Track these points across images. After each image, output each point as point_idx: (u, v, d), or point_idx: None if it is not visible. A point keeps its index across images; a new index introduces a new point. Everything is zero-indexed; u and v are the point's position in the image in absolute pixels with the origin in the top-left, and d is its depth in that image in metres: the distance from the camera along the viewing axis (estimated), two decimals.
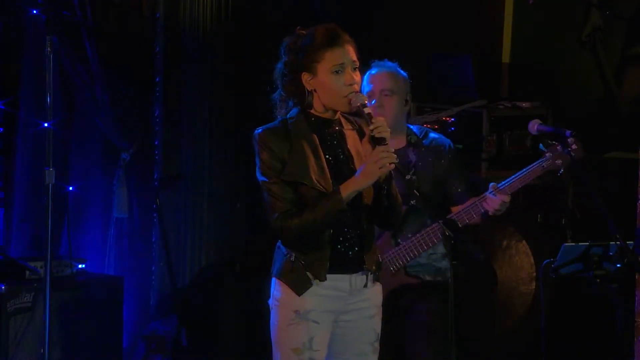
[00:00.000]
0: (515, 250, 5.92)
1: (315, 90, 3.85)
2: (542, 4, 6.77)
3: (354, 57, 3.84)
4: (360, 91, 3.86)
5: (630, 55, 6.55)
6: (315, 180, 3.79)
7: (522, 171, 4.64)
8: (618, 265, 4.57)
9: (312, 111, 3.89)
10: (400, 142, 4.80)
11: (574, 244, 4.76)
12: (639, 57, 6.53)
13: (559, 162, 4.61)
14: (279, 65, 3.90)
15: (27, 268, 5.42)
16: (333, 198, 3.74)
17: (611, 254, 4.60)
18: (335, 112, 3.90)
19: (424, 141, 4.82)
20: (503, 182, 4.65)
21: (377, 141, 3.71)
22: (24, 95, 5.94)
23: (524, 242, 5.90)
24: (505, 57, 7.01)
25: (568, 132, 4.58)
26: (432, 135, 4.87)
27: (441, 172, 4.79)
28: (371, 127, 3.73)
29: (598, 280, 4.64)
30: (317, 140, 3.86)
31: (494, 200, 4.61)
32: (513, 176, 4.65)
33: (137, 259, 6.41)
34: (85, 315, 5.60)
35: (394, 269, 4.70)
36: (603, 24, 6.60)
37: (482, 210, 4.65)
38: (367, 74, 4.81)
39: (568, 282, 4.83)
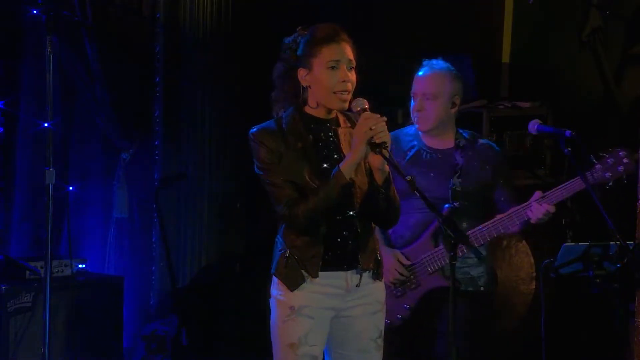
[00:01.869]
0: (515, 250, 5.92)
1: (310, 87, 3.87)
2: (542, 4, 6.77)
3: (351, 57, 3.86)
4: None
5: (630, 55, 6.55)
6: (307, 180, 3.81)
7: (569, 181, 4.59)
8: (618, 265, 4.57)
9: (307, 109, 3.91)
10: (447, 143, 4.78)
11: (574, 244, 4.76)
12: (639, 57, 6.53)
13: (608, 175, 4.56)
14: (278, 64, 3.93)
15: (27, 268, 5.42)
16: (335, 175, 3.76)
17: (611, 254, 4.60)
18: (330, 110, 3.92)
19: (472, 145, 4.79)
20: (549, 192, 4.60)
21: (377, 146, 3.72)
22: (24, 95, 5.94)
23: (524, 242, 5.90)
24: (505, 57, 7.01)
25: (568, 132, 4.57)
26: (481, 140, 4.85)
27: (486, 177, 4.76)
28: (371, 133, 3.74)
29: (598, 280, 4.64)
30: (311, 139, 3.88)
31: (539, 208, 4.57)
32: (560, 186, 4.61)
33: (137, 259, 6.41)
34: (85, 315, 5.60)
35: (431, 270, 4.68)
36: (603, 24, 6.60)
37: (525, 218, 4.62)
38: (415, 74, 4.79)
39: (568, 282, 4.82)
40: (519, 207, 4.63)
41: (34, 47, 5.84)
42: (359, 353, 3.97)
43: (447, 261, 4.62)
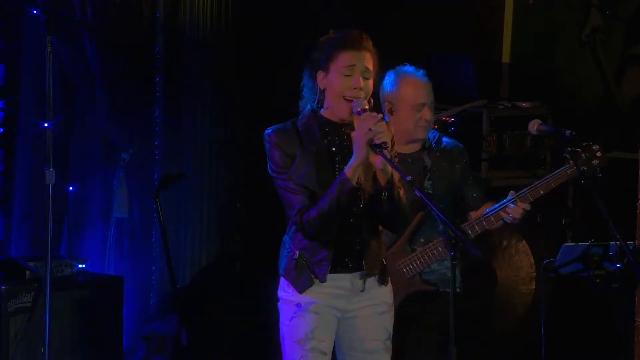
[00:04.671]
0: (515, 250, 5.92)
1: (325, 90, 3.86)
2: (542, 4, 6.77)
3: (369, 66, 3.85)
4: (366, 98, 3.86)
5: (630, 55, 6.55)
6: (320, 185, 3.81)
7: (544, 178, 4.60)
8: (618, 265, 4.57)
9: (324, 112, 3.90)
10: (415, 146, 4.78)
11: (574, 244, 4.76)
12: (639, 57, 6.53)
13: (583, 169, 4.58)
14: (307, 63, 3.94)
15: (27, 268, 5.42)
16: (340, 179, 3.75)
17: (611, 254, 4.60)
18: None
19: (437, 146, 4.79)
20: (524, 190, 4.60)
21: (377, 147, 3.71)
22: (24, 95, 5.94)
23: (523, 242, 5.89)
24: (505, 57, 7.00)
25: (568, 132, 4.57)
26: (445, 139, 4.84)
27: (456, 176, 4.76)
28: (371, 134, 3.73)
29: (598, 280, 4.64)
30: (325, 143, 3.87)
31: (515, 209, 4.57)
32: (535, 183, 4.61)
33: (137, 259, 6.41)
34: (85, 315, 5.60)
35: (409, 275, 4.68)
36: (603, 24, 6.60)
37: (502, 218, 4.61)
38: (399, 77, 4.74)
39: (568, 282, 4.82)
40: (493, 208, 4.62)
41: (34, 47, 5.84)
42: (367, 354, 3.97)
43: (423, 266, 4.66)
